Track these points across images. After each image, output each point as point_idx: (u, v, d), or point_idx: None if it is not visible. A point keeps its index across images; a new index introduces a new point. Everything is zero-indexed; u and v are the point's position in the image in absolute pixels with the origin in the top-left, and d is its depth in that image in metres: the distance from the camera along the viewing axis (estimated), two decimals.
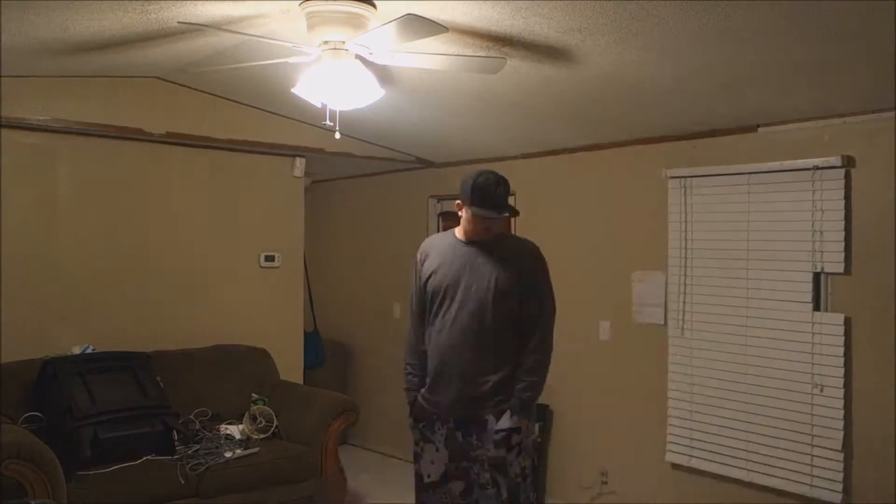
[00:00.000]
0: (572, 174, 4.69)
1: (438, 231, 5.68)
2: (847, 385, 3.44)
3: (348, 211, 6.44)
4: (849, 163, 3.43)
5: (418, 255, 3.15)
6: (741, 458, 3.80)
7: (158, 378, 4.10)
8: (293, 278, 5.28)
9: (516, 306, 3.01)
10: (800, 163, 3.56)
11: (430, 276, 3.06)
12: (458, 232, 3.08)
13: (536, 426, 4.55)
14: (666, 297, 4.16)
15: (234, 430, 4.20)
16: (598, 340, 4.51)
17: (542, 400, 4.67)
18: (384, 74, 3.40)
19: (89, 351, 4.16)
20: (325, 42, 2.63)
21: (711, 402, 3.93)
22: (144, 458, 3.74)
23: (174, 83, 4.29)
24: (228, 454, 3.92)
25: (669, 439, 4.11)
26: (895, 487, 3.30)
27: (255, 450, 4.02)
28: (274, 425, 4.28)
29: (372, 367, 6.15)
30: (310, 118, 4.58)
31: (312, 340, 5.69)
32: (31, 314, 4.17)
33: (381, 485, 5.18)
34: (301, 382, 5.18)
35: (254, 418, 4.29)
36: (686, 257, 4.05)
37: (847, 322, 3.44)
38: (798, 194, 3.59)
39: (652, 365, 4.21)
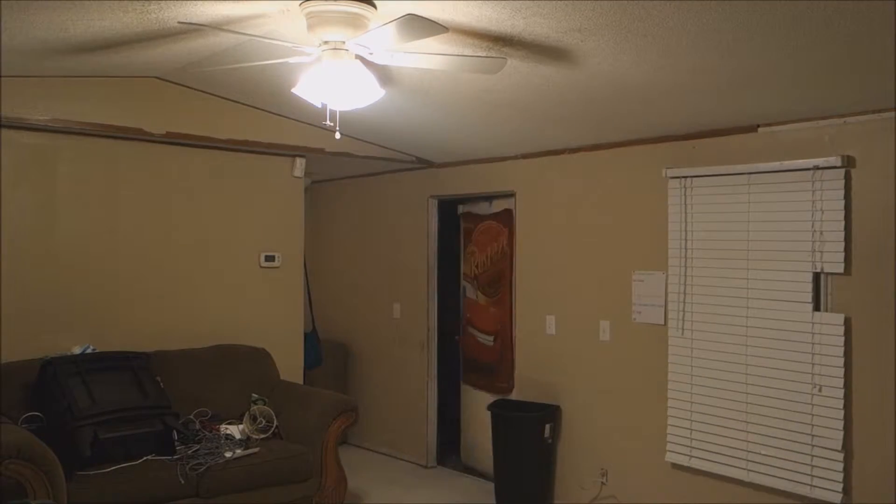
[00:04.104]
0: (572, 174, 4.69)
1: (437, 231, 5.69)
2: (847, 385, 3.44)
3: (348, 211, 6.45)
4: (849, 163, 3.43)
5: None
6: (741, 458, 3.80)
7: (158, 378, 4.10)
8: (293, 278, 5.28)
9: None
10: (800, 163, 3.56)
11: None
12: None
13: (547, 427, 4.58)
14: (666, 297, 4.16)
15: (234, 430, 4.20)
16: (599, 340, 4.51)
17: (551, 400, 4.73)
18: (384, 74, 3.40)
19: (89, 351, 4.16)
20: (325, 42, 2.63)
21: (711, 402, 3.93)
22: (144, 458, 3.74)
23: (174, 83, 4.29)
24: (228, 454, 3.91)
25: (669, 439, 4.11)
26: (895, 487, 3.31)
27: (255, 450, 4.02)
28: (274, 425, 4.28)
29: (371, 366, 6.15)
30: (310, 118, 4.58)
31: (311, 341, 5.69)
32: (31, 314, 4.17)
33: (381, 485, 5.19)
34: (301, 382, 5.18)
35: (254, 418, 4.29)
36: (686, 257, 4.05)
37: (847, 322, 3.44)
38: (798, 194, 3.59)
39: (652, 365, 4.21)
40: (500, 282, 5.30)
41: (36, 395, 3.82)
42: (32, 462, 3.17)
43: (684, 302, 4.05)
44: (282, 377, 4.82)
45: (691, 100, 3.53)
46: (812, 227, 3.54)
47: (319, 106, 2.93)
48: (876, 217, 3.37)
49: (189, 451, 3.89)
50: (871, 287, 3.39)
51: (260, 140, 4.78)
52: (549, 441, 4.62)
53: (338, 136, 3.30)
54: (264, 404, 4.40)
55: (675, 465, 4.11)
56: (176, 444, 3.90)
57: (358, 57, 2.70)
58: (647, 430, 4.23)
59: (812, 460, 3.53)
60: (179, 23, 2.87)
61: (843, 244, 3.44)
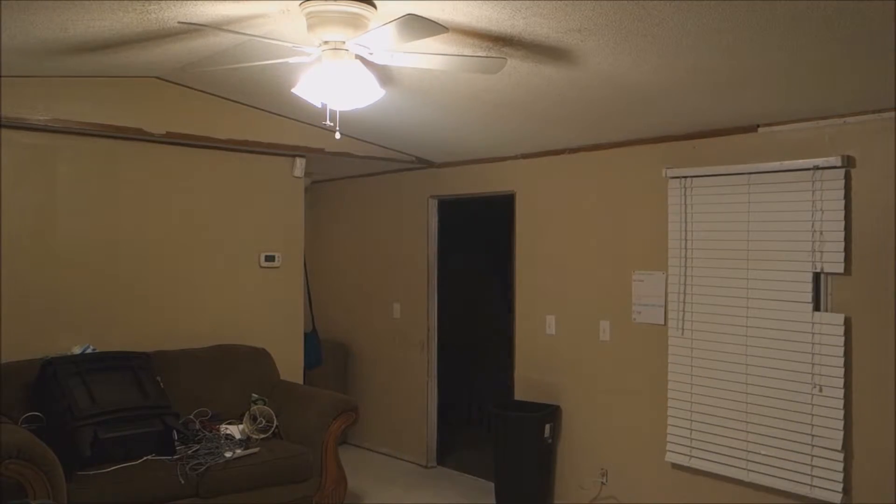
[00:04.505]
0: (572, 174, 4.69)
1: (439, 233, 5.69)
2: (847, 385, 3.44)
3: (348, 211, 6.45)
4: (849, 163, 3.43)
5: None
6: (741, 458, 3.80)
7: (158, 378, 4.10)
8: (293, 278, 5.28)
9: None
10: (800, 163, 3.56)
11: None
12: None
13: (547, 427, 4.59)
14: (666, 297, 4.16)
15: (234, 430, 4.20)
16: (599, 340, 4.51)
17: (551, 400, 4.73)
18: (384, 74, 3.40)
19: (89, 351, 4.16)
20: (325, 42, 2.63)
21: (711, 402, 3.93)
22: (144, 458, 3.74)
23: (174, 83, 4.29)
24: (228, 454, 3.91)
25: (669, 439, 4.11)
26: (895, 487, 3.31)
27: (255, 450, 4.02)
28: (274, 425, 4.28)
29: (371, 366, 6.15)
30: (310, 118, 4.58)
31: (311, 341, 5.69)
32: (31, 314, 4.17)
33: (381, 485, 5.19)
34: (301, 382, 5.18)
35: (254, 418, 4.29)
36: (686, 257, 4.05)
37: (847, 322, 3.44)
38: (798, 194, 3.59)
39: (652, 365, 4.21)
40: None
41: (36, 395, 3.82)
42: (32, 462, 3.17)
43: (684, 302, 4.05)
44: (282, 377, 4.82)
45: (691, 100, 3.53)
46: (812, 227, 3.54)
47: (319, 106, 2.93)
48: (876, 217, 3.37)
49: (189, 451, 3.89)
50: (871, 287, 3.39)
51: (260, 140, 4.78)
52: (549, 441, 4.62)
53: (338, 136, 3.30)
54: (264, 404, 4.40)
55: (675, 465, 4.11)
56: (176, 444, 3.90)
57: (358, 57, 2.70)
58: (647, 430, 4.23)
59: (812, 460, 3.53)
60: (179, 23, 2.87)
61: (843, 244, 3.44)
